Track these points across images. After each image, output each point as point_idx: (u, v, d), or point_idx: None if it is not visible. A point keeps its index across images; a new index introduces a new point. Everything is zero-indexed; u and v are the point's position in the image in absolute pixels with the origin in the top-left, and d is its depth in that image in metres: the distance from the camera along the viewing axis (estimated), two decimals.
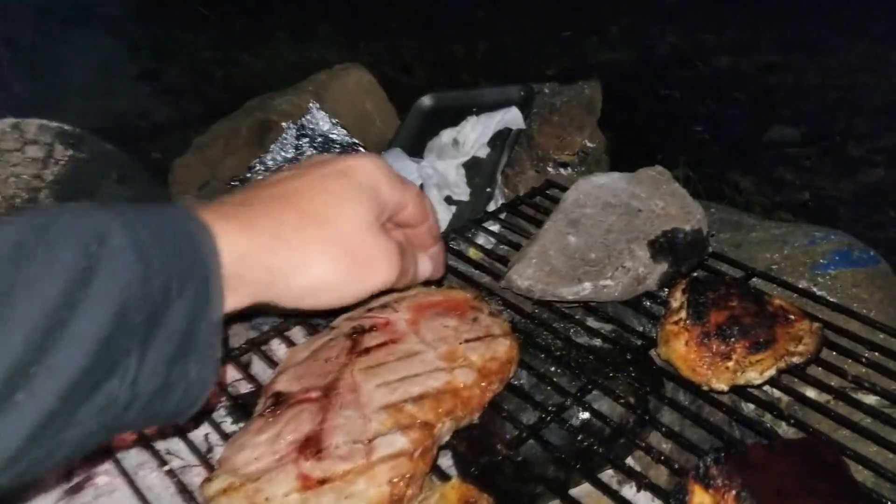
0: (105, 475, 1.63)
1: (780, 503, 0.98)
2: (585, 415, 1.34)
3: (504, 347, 1.28)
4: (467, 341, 1.26)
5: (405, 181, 1.07)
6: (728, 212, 2.16)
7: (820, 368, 1.32)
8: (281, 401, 1.18)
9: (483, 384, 1.23)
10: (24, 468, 0.64)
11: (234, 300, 0.82)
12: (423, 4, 6.13)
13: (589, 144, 2.30)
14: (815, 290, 1.66)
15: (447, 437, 1.20)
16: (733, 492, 1.01)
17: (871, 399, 1.30)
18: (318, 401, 1.17)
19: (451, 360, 1.23)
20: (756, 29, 4.62)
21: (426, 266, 1.18)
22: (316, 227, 0.89)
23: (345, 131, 2.49)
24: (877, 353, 1.31)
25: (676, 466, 1.16)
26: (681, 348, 1.28)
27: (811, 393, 1.36)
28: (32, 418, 0.62)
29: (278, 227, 0.86)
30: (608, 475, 1.34)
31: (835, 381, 1.33)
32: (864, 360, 1.30)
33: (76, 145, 1.48)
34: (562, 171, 2.22)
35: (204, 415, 1.43)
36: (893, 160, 3.14)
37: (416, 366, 1.22)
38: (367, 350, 1.24)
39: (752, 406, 1.32)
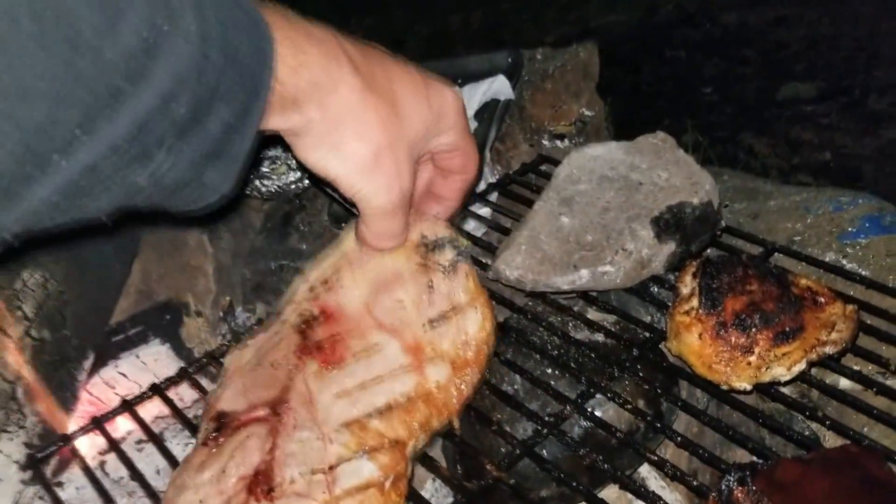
0: None
1: None
2: (587, 424, 1.17)
3: (475, 324, 1.08)
4: (431, 323, 1.07)
5: (468, 131, 1.06)
6: (742, 178, 1.96)
7: (856, 357, 1.13)
8: (224, 423, 1.01)
9: (459, 379, 1.05)
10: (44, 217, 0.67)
11: (276, 121, 0.80)
12: None
13: (587, 112, 2.10)
14: (844, 262, 1.47)
15: (423, 447, 1.04)
16: None
17: None
18: (266, 420, 0.99)
19: (418, 353, 1.05)
20: None
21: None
22: (384, 106, 0.89)
23: None
24: None
25: (695, 483, 0.98)
26: (694, 342, 1.10)
27: (847, 386, 1.18)
28: (61, 181, 0.64)
29: (352, 78, 0.85)
30: (614, 495, 1.17)
31: (873, 370, 1.15)
32: None
33: None
34: (558, 143, 2.03)
35: None
36: None
37: (377, 365, 1.03)
38: (319, 347, 1.05)
39: (780, 406, 1.14)
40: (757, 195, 1.80)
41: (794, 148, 2.86)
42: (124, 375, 1.54)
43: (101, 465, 1.47)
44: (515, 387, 1.25)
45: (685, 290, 1.17)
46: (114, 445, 1.22)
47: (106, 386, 1.55)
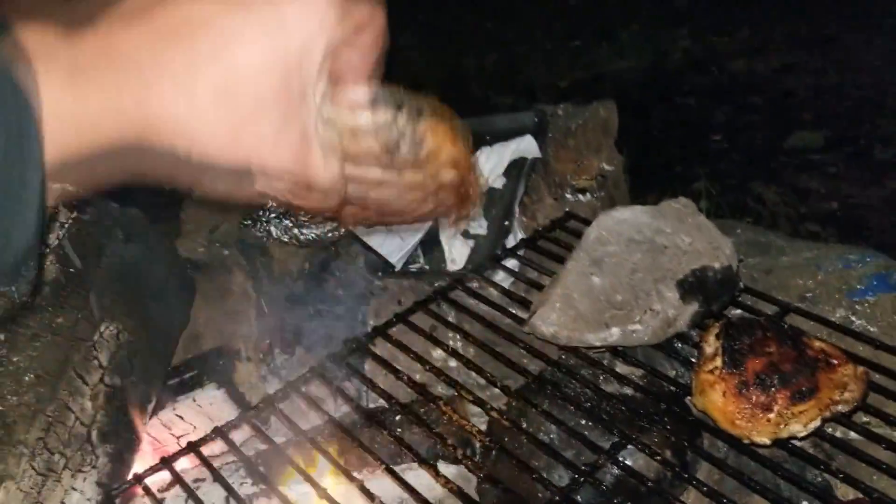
0: None
1: None
2: (619, 472, 1.27)
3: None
4: None
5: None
6: (754, 231, 2.08)
7: (867, 414, 1.24)
8: None
9: None
10: None
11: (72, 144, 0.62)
12: (431, 17, 6.09)
13: (606, 167, 2.23)
14: (854, 319, 1.58)
15: None
16: None
17: None
18: None
19: None
20: (770, 29, 4.52)
21: None
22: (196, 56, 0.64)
23: None
24: None
25: None
26: (718, 399, 1.21)
27: (857, 439, 1.28)
28: None
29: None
30: None
31: (881, 428, 1.26)
32: None
33: (79, 206, 1.44)
34: (580, 197, 2.15)
35: None
36: None
37: None
38: None
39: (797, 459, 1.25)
40: (769, 249, 1.92)
41: (801, 197, 2.97)
42: (181, 417, 1.65)
43: (160, 501, 1.57)
44: (551, 436, 1.36)
45: (709, 350, 1.28)
46: (181, 483, 1.33)
47: (163, 427, 1.66)
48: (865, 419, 1.24)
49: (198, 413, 1.65)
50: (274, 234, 2.32)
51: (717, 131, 3.59)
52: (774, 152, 3.31)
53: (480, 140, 2.20)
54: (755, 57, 4.28)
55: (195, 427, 1.63)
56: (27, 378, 1.30)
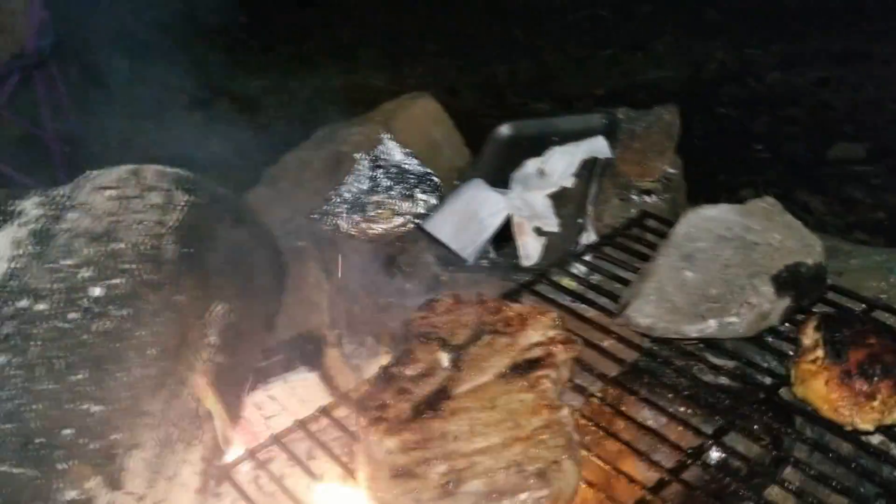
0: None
1: None
2: (722, 455, 1.33)
3: None
4: None
5: None
6: (820, 236, 2.13)
7: None
8: None
9: None
10: None
11: None
12: (462, 26, 6.16)
13: (670, 170, 2.29)
14: None
15: None
16: None
17: None
18: None
19: None
20: (803, 42, 4.58)
21: None
22: None
23: (417, 161, 2.50)
24: None
25: None
26: (821, 388, 1.26)
27: None
28: None
29: None
30: None
31: None
32: None
33: (193, 190, 1.49)
34: (646, 198, 2.20)
35: None
36: None
37: None
38: None
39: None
40: (838, 253, 1.97)
41: (847, 206, 3.03)
42: (273, 399, 1.70)
43: (255, 478, 1.62)
44: (649, 422, 1.41)
45: (808, 342, 1.33)
46: (296, 459, 1.38)
47: (254, 407, 1.71)
48: None
49: (290, 395, 1.70)
50: (342, 227, 2.38)
51: (759, 141, 3.65)
52: (817, 163, 3.38)
53: (546, 140, 2.27)
54: (790, 70, 4.35)
55: (285, 408, 1.68)
56: (151, 352, 1.35)
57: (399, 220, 2.34)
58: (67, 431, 1.25)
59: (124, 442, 1.27)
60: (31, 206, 1.52)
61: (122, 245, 1.41)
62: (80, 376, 1.28)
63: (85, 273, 1.38)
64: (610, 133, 2.18)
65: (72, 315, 1.33)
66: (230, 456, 1.51)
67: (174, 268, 1.42)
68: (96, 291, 1.36)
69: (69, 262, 1.40)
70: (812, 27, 4.84)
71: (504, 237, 2.09)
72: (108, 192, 1.47)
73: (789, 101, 3.98)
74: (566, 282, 1.73)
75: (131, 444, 1.28)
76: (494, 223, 2.04)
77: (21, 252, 1.44)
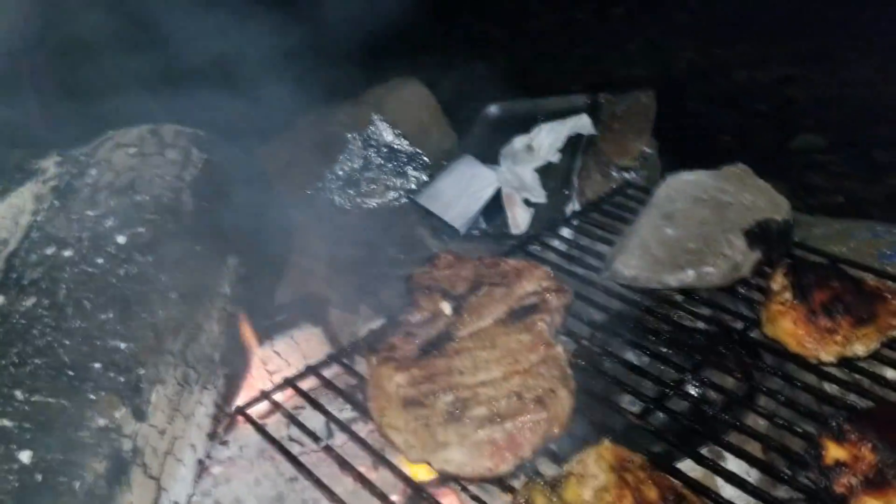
0: (220, 466, 1.73)
1: None
2: (700, 389, 1.45)
3: None
4: None
5: None
6: None
7: None
8: None
9: None
10: None
11: None
12: (440, 23, 6.28)
13: (647, 150, 2.43)
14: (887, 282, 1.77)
15: None
16: (869, 444, 1.12)
17: None
18: None
19: None
20: (768, 43, 4.79)
21: None
22: None
23: (407, 141, 2.62)
24: None
25: (799, 430, 1.27)
26: (789, 325, 1.40)
27: (891, 374, 1.46)
28: None
29: None
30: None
31: None
32: None
33: (209, 149, 1.59)
34: (625, 175, 2.34)
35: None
36: None
37: None
38: None
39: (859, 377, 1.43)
40: (800, 224, 2.12)
41: (809, 192, 3.21)
42: (278, 354, 1.79)
43: (263, 427, 1.71)
44: (634, 361, 1.53)
45: (777, 287, 1.47)
46: (309, 400, 1.48)
47: (259, 362, 1.80)
48: None
49: (294, 350, 1.79)
50: (337, 202, 2.49)
51: (727, 133, 3.82)
52: (781, 152, 3.56)
53: (533, 119, 2.40)
54: (756, 69, 4.54)
55: (289, 363, 1.77)
56: (172, 296, 1.43)
57: (392, 195, 2.45)
58: (97, 365, 1.33)
59: (149, 377, 1.36)
60: (51, 165, 1.61)
61: (144, 197, 1.50)
62: (108, 315, 1.37)
63: (109, 222, 1.46)
64: (593, 112, 2.31)
65: (99, 260, 1.42)
66: (242, 400, 1.60)
67: (192, 219, 1.51)
68: (121, 239, 1.45)
69: (93, 212, 1.48)
70: (777, 29, 5.04)
71: (494, 209, 2.21)
72: (128, 150, 1.56)
73: (755, 97, 4.17)
74: (556, 243, 1.85)
75: (156, 380, 1.37)
76: (485, 195, 2.15)
77: (45, 206, 1.53)
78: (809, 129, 3.75)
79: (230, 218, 1.58)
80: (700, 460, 1.26)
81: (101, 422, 1.30)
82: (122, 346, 1.36)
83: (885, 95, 3.91)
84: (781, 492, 1.51)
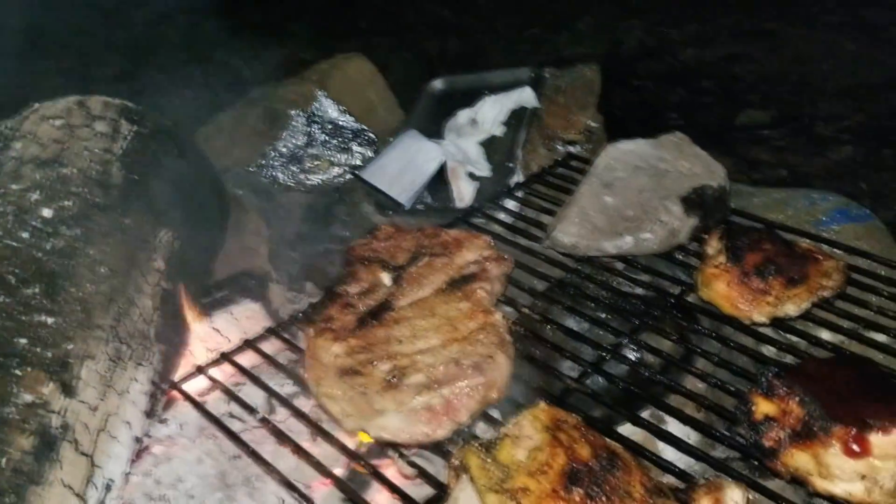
0: (161, 444, 1.70)
1: (840, 404, 1.11)
2: (638, 353, 1.46)
3: None
4: None
5: None
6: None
7: (846, 302, 1.46)
8: None
9: None
10: None
11: None
12: (392, 4, 6.24)
13: (592, 124, 2.43)
14: (821, 245, 1.81)
15: None
16: (796, 398, 1.14)
17: (881, 338, 1.43)
18: None
19: None
20: (715, 23, 4.85)
21: None
22: None
23: (352, 118, 2.59)
24: (894, 288, 1.47)
25: (733, 389, 1.28)
26: (722, 288, 1.42)
27: (826, 335, 1.49)
28: None
29: None
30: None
31: (847, 325, 1.46)
32: (883, 293, 1.45)
33: (139, 121, 1.54)
34: (570, 148, 2.34)
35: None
36: (860, 138, 3.38)
37: None
38: None
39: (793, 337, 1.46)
40: (742, 194, 2.15)
41: (753, 166, 3.26)
42: (217, 331, 1.76)
43: (203, 404, 1.68)
44: (575, 328, 1.54)
45: (712, 251, 1.49)
46: (247, 374, 1.46)
47: (199, 340, 1.76)
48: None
49: (234, 326, 1.77)
50: (280, 179, 2.45)
51: (674, 111, 3.86)
52: (727, 128, 3.61)
53: (478, 93, 2.39)
54: (703, 47, 4.59)
55: (229, 340, 1.74)
56: (102, 270, 1.39)
57: (336, 171, 2.43)
58: (22, 341, 1.29)
59: (78, 352, 1.32)
60: None
61: (71, 170, 1.45)
62: (33, 290, 1.33)
63: (34, 196, 1.42)
64: (537, 85, 2.31)
65: (23, 234, 1.37)
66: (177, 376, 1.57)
67: (121, 192, 1.47)
68: (46, 213, 1.40)
69: (17, 186, 1.43)
70: (723, 8, 5.11)
71: (439, 183, 2.19)
72: (54, 122, 1.51)
73: (701, 74, 4.22)
74: (500, 215, 1.84)
75: (84, 355, 1.33)
76: (430, 169, 2.14)
77: None
78: (754, 106, 3.81)
79: (162, 191, 1.54)
80: (637, 422, 1.28)
81: (28, 398, 1.25)
82: (49, 321, 1.32)
83: (826, 72, 4.00)
84: (719, 451, 1.54)
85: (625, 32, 5.05)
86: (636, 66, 4.48)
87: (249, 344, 1.54)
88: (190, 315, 1.67)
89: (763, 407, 1.17)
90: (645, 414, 1.46)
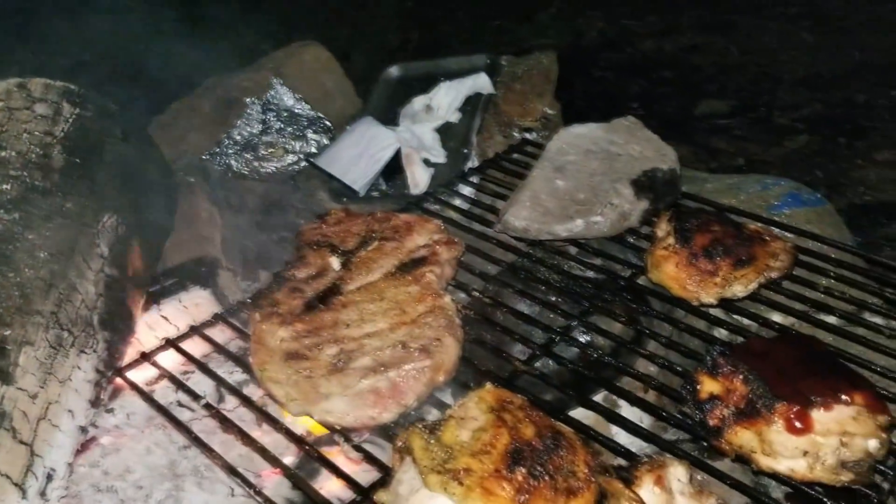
0: (109, 435, 1.67)
1: (784, 381, 1.12)
2: (588, 336, 1.46)
3: None
4: None
5: None
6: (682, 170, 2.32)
7: (794, 283, 1.47)
8: None
9: None
10: None
11: None
12: None
13: (549, 111, 2.43)
14: (773, 229, 1.82)
15: None
16: (741, 376, 1.14)
17: (831, 319, 1.44)
18: None
19: None
20: (675, 14, 4.89)
21: None
22: None
23: (308, 106, 2.55)
24: (843, 270, 1.48)
25: (680, 370, 1.29)
26: (671, 270, 1.42)
27: (777, 317, 1.50)
28: None
29: None
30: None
31: (798, 307, 1.47)
32: (831, 274, 1.47)
33: (82, 104, 1.50)
34: (526, 135, 2.34)
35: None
36: (815, 127, 3.43)
37: None
38: None
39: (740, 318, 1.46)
40: (695, 181, 2.16)
41: (712, 154, 3.29)
42: (166, 319, 1.73)
43: (150, 394, 1.65)
44: (526, 311, 1.53)
45: (661, 233, 1.49)
46: (193, 361, 1.43)
47: (148, 328, 1.73)
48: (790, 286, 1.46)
49: (183, 314, 1.73)
50: (234, 167, 2.41)
51: (634, 100, 3.89)
52: (687, 118, 3.64)
53: (434, 80, 2.37)
54: (663, 38, 4.63)
55: (178, 328, 1.71)
56: (41, 255, 1.35)
57: (291, 159, 2.39)
58: None
59: (15, 338, 1.29)
60: None
61: (10, 153, 1.41)
62: None
63: None
64: (492, 71, 2.30)
65: None
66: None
67: (63, 176, 1.43)
68: None
69: None
70: (682, 1, 5.16)
71: (394, 169, 2.18)
72: None
73: (661, 65, 4.25)
74: (455, 200, 1.83)
75: (23, 341, 1.30)
76: (385, 156, 2.12)
77: None
78: (713, 96, 3.85)
79: (106, 175, 1.50)
80: (588, 404, 1.27)
81: None
82: None
83: (783, 62, 4.05)
84: (671, 434, 1.55)
85: (586, 23, 5.07)
86: (597, 57, 4.49)
87: (196, 330, 1.51)
88: (137, 302, 1.63)
89: (708, 386, 1.17)
90: (598, 397, 1.46)
